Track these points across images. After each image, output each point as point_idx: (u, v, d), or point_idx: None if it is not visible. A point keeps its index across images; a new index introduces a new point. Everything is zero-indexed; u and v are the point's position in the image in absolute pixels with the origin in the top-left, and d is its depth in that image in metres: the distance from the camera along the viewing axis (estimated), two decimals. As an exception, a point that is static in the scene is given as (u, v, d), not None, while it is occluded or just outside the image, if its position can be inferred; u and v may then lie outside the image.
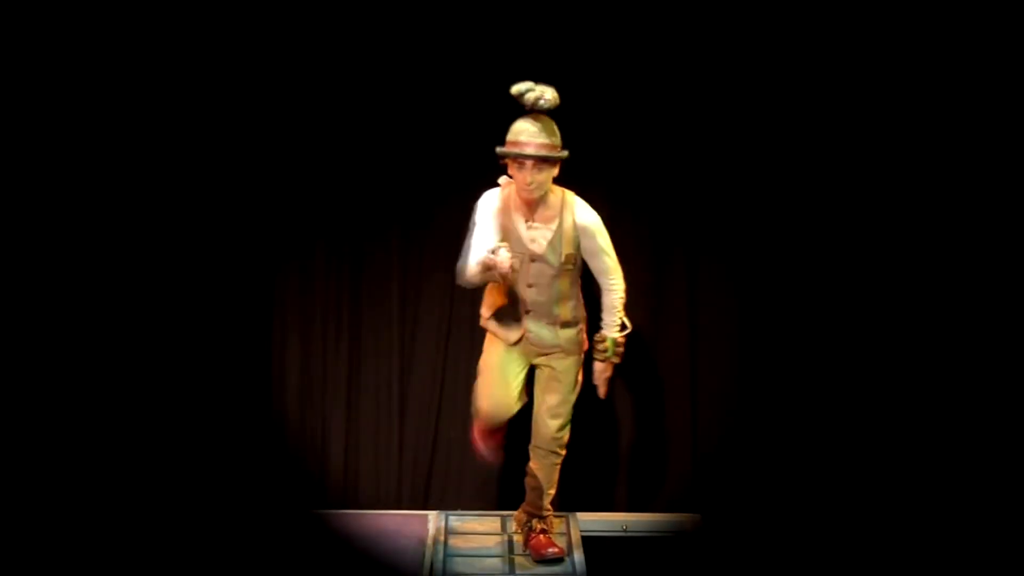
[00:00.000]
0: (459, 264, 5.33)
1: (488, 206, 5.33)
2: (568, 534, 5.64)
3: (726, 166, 5.99)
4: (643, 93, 5.98)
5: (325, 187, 6.03)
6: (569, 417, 5.46)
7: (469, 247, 5.30)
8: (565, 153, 5.25)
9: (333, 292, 6.07)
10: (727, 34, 5.94)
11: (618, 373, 6.01)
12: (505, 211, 5.32)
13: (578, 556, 5.47)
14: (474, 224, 5.31)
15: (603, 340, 5.43)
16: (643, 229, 6.04)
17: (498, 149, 5.25)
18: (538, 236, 5.35)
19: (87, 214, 5.88)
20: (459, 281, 5.35)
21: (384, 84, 5.96)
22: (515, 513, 5.64)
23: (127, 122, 5.89)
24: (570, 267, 5.36)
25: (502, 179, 5.36)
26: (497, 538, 5.66)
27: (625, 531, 5.87)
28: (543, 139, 5.22)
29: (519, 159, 5.22)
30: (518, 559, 5.47)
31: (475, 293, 5.58)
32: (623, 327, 5.43)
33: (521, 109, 5.24)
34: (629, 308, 5.78)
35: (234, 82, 5.93)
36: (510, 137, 5.25)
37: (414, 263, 6.06)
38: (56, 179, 5.85)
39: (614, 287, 5.41)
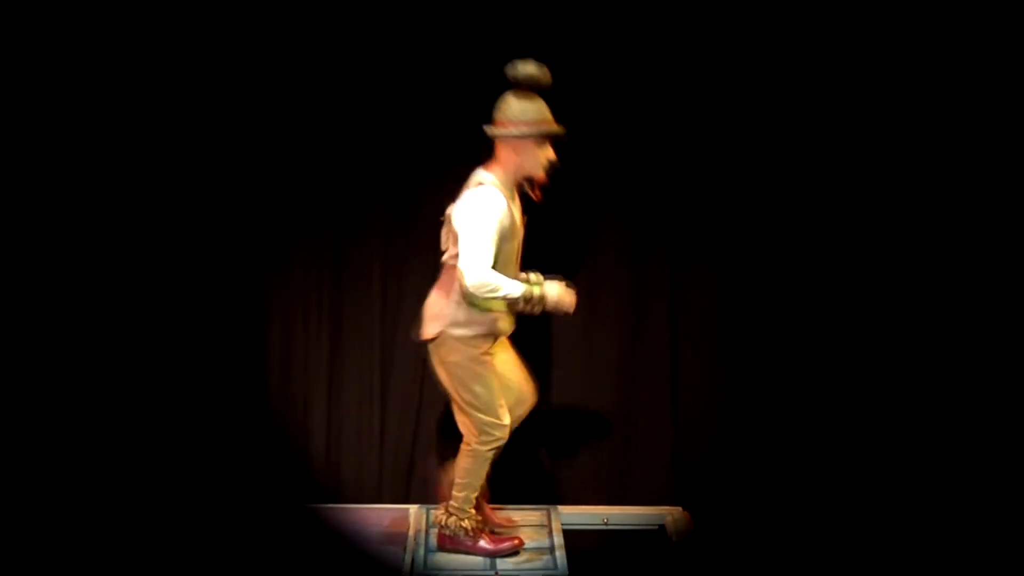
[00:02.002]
0: (477, 273, 5.08)
1: (499, 208, 5.16)
2: (549, 527, 5.66)
3: (710, 162, 6.01)
4: (628, 91, 5.99)
5: (305, 175, 6.03)
6: None
7: (482, 250, 5.10)
8: None
9: (314, 284, 6.07)
10: (710, 32, 5.95)
11: (599, 365, 6.04)
12: (508, 206, 5.25)
13: (559, 549, 5.49)
14: (479, 225, 5.11)
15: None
16: (625, 222, 6.05)
17: (526, 131, 5.15)
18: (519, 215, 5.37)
19: (73, 208, 5.89)
20: (475, 288, 5.10)
21: (364, 69, 5.95)
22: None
23: (111, 118, 5.88)
24: None
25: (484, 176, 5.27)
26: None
27: (606, 524, 5.88)
28: None
29: (548, 137, 5.21)
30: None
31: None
32: None
33: (504, 88, 5.20)
34: (611, 300, 5.82)
35: (215, 72, 5.92)
36: (536, 116, 5.17)
37: (395, 254, 6.05)
38: (35, 172, 5.86)
39: None
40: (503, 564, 5.35)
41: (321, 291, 6.06)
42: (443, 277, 5.30)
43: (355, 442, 6.08)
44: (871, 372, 5.93)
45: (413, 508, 5.83)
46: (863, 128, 5.91)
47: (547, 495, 5.93)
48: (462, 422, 5.39)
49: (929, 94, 5.87)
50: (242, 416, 6.02)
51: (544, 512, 5.78)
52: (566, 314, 5.30)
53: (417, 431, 6.08)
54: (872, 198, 5.93)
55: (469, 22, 5.90)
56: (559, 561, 5.40)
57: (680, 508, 5.88)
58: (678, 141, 6.00)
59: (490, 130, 5.23)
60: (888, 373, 5.92)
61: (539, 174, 5.25)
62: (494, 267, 5.17)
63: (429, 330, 5.31)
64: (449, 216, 5.24)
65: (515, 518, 5.70)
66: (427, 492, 5.99)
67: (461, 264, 5.13)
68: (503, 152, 5.22)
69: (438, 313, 5.28)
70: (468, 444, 5.36)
